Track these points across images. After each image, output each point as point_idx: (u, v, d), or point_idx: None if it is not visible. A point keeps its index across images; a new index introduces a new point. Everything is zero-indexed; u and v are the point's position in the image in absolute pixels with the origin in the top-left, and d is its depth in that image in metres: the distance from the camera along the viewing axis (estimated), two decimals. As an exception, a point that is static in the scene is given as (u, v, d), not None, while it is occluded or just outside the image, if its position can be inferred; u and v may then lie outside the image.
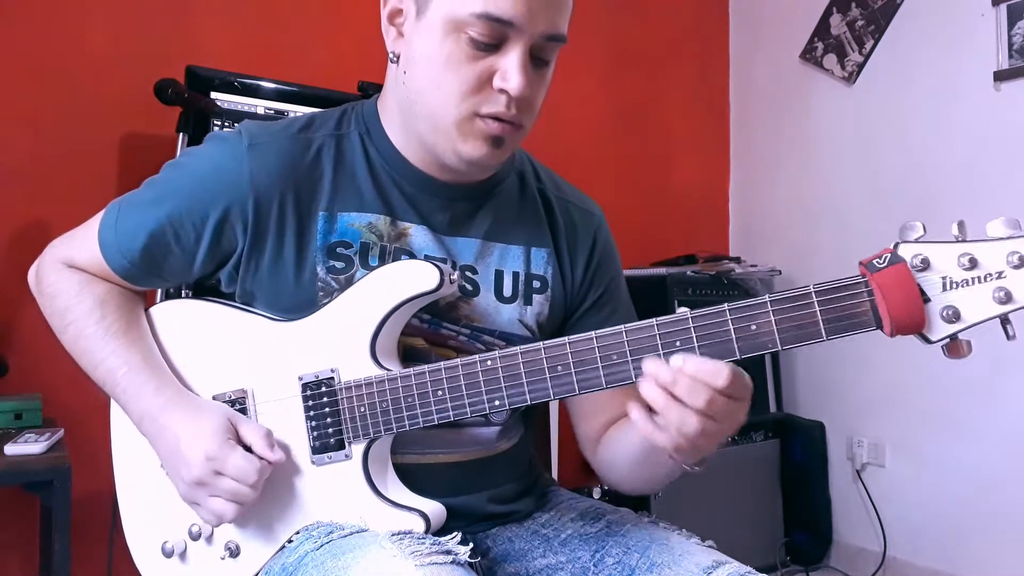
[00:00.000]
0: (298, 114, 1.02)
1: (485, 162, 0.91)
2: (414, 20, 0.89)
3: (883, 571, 2.56)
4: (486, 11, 0.83)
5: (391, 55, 0.94)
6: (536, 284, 1.02)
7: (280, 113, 1.88)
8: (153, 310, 1.02)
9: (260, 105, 1.88)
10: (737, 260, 2.79)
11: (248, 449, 0.88)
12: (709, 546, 0.95)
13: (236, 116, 1.82)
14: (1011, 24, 2.27)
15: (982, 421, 2.34)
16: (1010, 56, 2.27)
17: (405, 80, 0.92)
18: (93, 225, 1.00)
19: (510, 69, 0.85)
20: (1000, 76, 2.29)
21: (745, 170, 3.12)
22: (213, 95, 1.82)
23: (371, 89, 1.92)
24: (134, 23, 2.04)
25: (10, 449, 1.47)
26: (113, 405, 1.01)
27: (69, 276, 1.00)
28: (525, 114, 0.90)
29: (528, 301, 1.01)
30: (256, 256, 0.94)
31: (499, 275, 1.00)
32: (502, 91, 0.86)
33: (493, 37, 0.85)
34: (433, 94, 0.88)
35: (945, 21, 2.44)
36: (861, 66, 2.67)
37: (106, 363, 0.95)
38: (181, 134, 1.80)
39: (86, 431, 1.49)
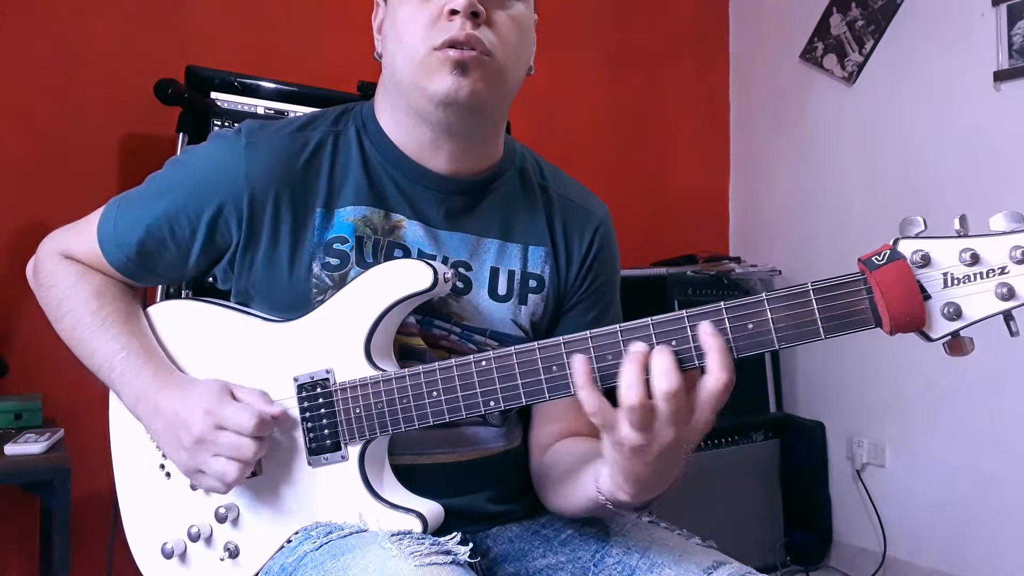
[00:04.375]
0: (298, 114, 1.03)
1: (456, 94, 0.89)
2: (386, 18, 0.95)
3: (883, 571, 2.56)
4: None
5: (376, 55, 0.99)
6: (532, 283, 1.01)
7: (280, 113, 1.88)
8: (151, 310, 1.02)
9: (260, 105, 1.88)
10: (737, 260, 2.79)
11: None
12: (709, 546, 0.95)
13: (236, 116, 1.82)
14: (1011, 24, 2.26)
15: (982, 421, 2.34)
16: (1010, 56, 2.27)
17: (385, 66, 0.96)
18: (93, 219, 1.01)
19: None
20: (1000, 76, 2.29)
21: (745, 170, 3.12)
22: (213, 95, 1.82)
23: (371, 89, 1.90)
24: (134, 23, 2.04)
25: (10, 449, 1.47)
26: (111, 407, 1.01)
27: (66, 267, 1.01)
28: (486, 35, 0.89)
29: (523, 300, 1.00)
30: (251, 253, 0.95)
31: (494, 272, 1.00)
32: (452, 13, 0.87)
33: None
34: (400, 52, 0.91)
35: (945, 21, 2.44)
36: (861, 66, 2.67)
37: (104, 349, 0.95)
38: (181, 134, 1.80)
39: (86, 431, 1.49)
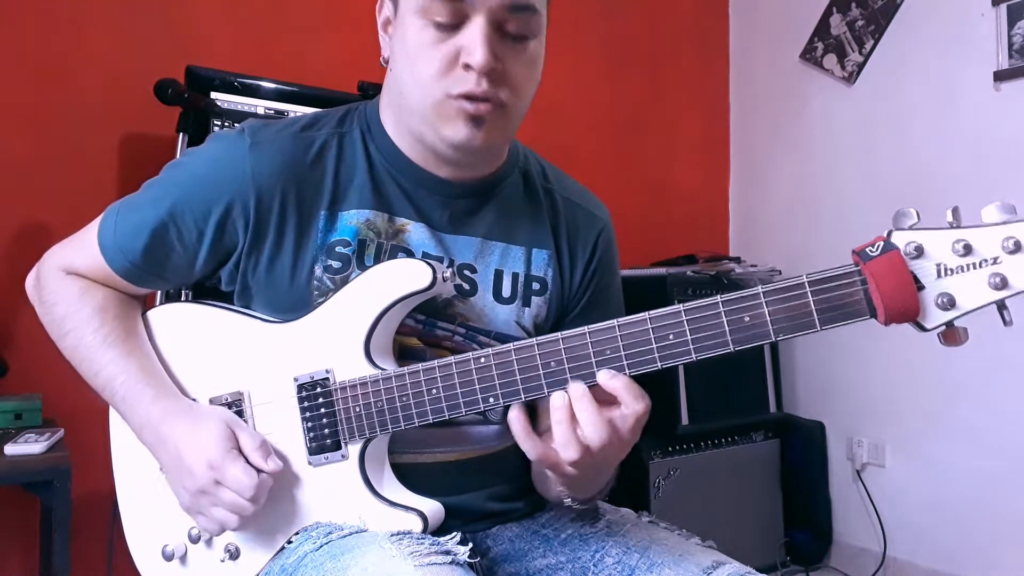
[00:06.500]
0: (299, 114, 1.03)
1: (470, 144, 0.90)
2: (394, 22, 0.92)
3: (883, 571, 2.56)
4: None
5: (382, 60, 0.97)
6: (536, 286, 1.02)
7: (280, 113, 1.89)
8: (150, 314, 1.02)
9: (260, 105, 1.88)
10: (737, 260, 2.79)
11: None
12: (709, 546, 0.95)
13: (236, 116, 1.82)
14: (1011, 24, 2.26)
15: (982, 421, 2.33)
16: (1010, 56, 2.27)
17: (393, 79, 0.94)
18: (92, 229, 0.99)
19: (470, 44, 0.86)
20: (1000, 76, 2.29)
21: (745, 170, 3.12)
22: (213, 95, 1.82)
23: (371, 89, 1.92)
24: (134, 23, 2.04)
25: (10, 449, 1.47)
26: (112, 409, 1.01)
27: (68, 283, 1.00)
28: (502, 90, 0.89)
29: (527, 303, 1.01)
30: (255, 254, 0.94)
31: (499, 275, 1.00)
32: (468, 67, 0.86)
33: (452, 17, 0.86)
34: (412, 84, 0.90)
35: (945, 21, 2.44)
36: (861, 66, 2.67)
37: (104, 372, 0.95)
38: (181, 134, 1.80)
39: (86, 431, 1.48)
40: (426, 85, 0.88)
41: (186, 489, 0.89)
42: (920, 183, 2.48)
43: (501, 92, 0.88)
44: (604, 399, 0.80)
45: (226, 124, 1.80)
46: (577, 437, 0.78)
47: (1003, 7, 2.28)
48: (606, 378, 0.78)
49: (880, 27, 2.61)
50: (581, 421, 0.78)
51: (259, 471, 0.86)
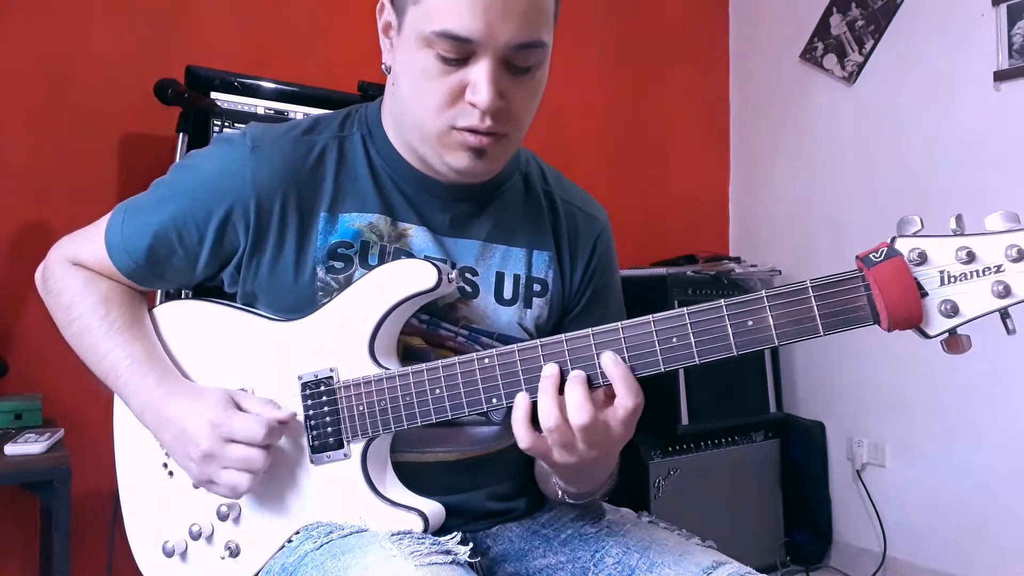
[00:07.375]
0: (298, 114, 1.03)
1: (472, 172, 0.91)
2: (397, 31, 0.91)
3: (883, 571, 2.56)
4: (445, 29, 0.83)
5: (384, 67, 0.95)
6: (537, 287, 1.02)
7: (280, 113, 1.88)
8: (156, 311, 1.02)
9: (260, 105, 1.88)
10: (737, 260, 2.79)
11: None
12: (709, 546, 0.95)
13: (236, 116, 1.82)
14: (1011, 24, 2.27)
15: (982, 421, 2.34)
16: (1010, 56, 2.27)
17: (395, 91, 0.94)
18: (100, 225, 1.01)
19: (477, 83, 0.85)
20: (1000, 76, 2.29)
21: (745, 170, 3.13)
22: (213, 95, 1.82)
23: (371, 89, 1.92)
24: (134, 23, 2.04)
25: (10, 449, 1.47)
26: (115, 405, 1.01)
27: (75, 273, 1.01)
28: (505, 124, 0.89)
29: (528, 304, 1.01)
30: (257, 257, 0.95)
31: (500, 277, 1.00)
32: (473, 104, 0.86)
33: (458, 53, 0.85)
34: (415, 106, 0.89)
35: (945, 21, 2.44)
36: (861, 66, 2.67)
37: (109, 357, 0.96)
38: (181, 134, 1.80)
39: (86, 431, 1.49)
40: (430, 112, 0.88)
41: (192, 459, 0.89)
42: (920, 183, 2.48)
43: (504, 127, 0.89)
44: (602, 400, 0.80)
45: (226, 124, 1.80)
46: (558, 408, 0.79)
47: (1003, 7, 2.28)
48: (608, 362, 0.78)
49: (880, 27, 2.61)
50: (568, 400, 0.78)
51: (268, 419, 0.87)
